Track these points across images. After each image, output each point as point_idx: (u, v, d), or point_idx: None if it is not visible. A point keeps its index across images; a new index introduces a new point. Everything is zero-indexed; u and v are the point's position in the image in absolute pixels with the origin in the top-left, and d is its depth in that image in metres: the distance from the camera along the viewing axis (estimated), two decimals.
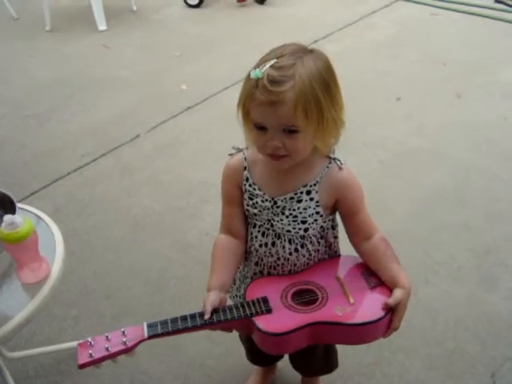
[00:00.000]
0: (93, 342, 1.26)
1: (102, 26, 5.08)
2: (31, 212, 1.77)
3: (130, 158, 3.31)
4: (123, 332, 1.28)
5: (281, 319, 1.29)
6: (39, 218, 1.76)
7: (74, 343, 2.11)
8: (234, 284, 1.62)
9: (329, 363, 1.83)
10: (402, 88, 3.85)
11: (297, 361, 1.83)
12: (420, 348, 2.11)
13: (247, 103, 1.26)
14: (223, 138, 3.28)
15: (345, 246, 1.52)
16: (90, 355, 1.23)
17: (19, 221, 1.44)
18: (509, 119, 3.45)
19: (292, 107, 1.20)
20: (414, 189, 2.92)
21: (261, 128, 1.27)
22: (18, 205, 1.65)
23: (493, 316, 2.22)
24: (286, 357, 1.87)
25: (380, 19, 4.99)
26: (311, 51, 1.29)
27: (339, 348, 1.82)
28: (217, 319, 1.30)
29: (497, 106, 3.61)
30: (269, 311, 1.31)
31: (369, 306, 1.32)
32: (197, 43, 4.74)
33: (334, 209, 1.44)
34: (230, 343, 2.07)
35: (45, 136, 3.58)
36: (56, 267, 1.58)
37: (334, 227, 1.49)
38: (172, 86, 4.05)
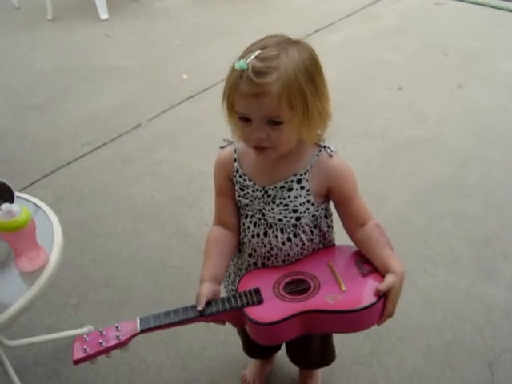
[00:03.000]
0: (87, 338, 1.28)
1: (104, 15, 5.07)
2: (29, 201, 1.78)
3: (130, 147, 3.31)
4: (117, 327, 1.30)
5: (272, 309, 1.30)
6: (37, 206, 1.76)
7: (74, 331, 2.15)
8: (229, 278, 1.63)
9: (325, 357, 1.84)
10: (404, 78, 3.84)
11: (293, 354, 1.84)
12: (418, 338, 2.11)
13: (232, 95, 1.25)
14: (223, 128, 3.26)
15: (340, 236, 1.52)
16: (85, 350, 1.25)
17: (17, 209, 1.45)
18: (509, 109, 3.44)
19: (276, 98, 1.20)
20: (414, 178, 2.92)
21: (245, 119, 1.27)
22: (17, 194, 1.66)
23: (491, 306, 2.22)
24: (284, 347, 1.88)
25: (383, 8, 4.97)
26: (296, 42, 1.28)
27: (337, 338, 1.83)
28: (209, 312, 1.31)
29: (498, 95, 3.60)
30: (260, 302, 1.32)
31: (360, 293, 1.32)
32: (198, 32, 4.73)
33: (326, 197, 1.44)
34: (229, 332, 2.08)
35: (45, 126, 3.58)
36: (54, 256, 1.59)
37: (327, 216, 1.49)
38: (173, 75, 4.05)
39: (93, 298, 2.35)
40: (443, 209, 2.69)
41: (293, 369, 1.94)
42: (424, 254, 2.45)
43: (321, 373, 1.95)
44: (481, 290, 2.29)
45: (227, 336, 2.12)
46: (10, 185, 1.65)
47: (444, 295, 2.27)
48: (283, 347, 1.90)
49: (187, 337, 2.15)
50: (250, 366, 2.01)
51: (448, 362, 2.03)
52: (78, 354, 1.25)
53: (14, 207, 1.44)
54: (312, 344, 1.70)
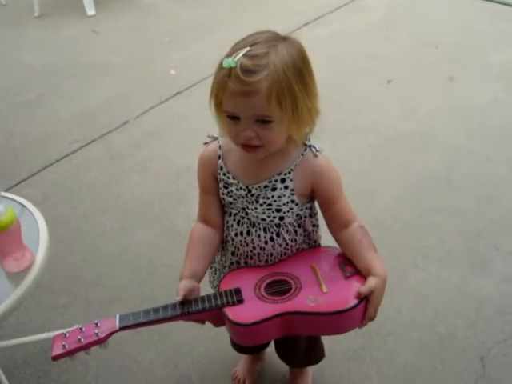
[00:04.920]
0: (67, 334, 1.29)
1: (91, 11, 5.02)
2: (15, 201, 1.76)
3: (119, 144, 3.28)
4: (96, 324, 1.30)
5: (251, 310, 1.29)
6: (23, 206, 1.75)
7: (63, 331, 2.11)
8: (215, 273, 1.62)
9: (313, 355, 1.83)
10: (394, 71, 3.82)
11: (281, 352, 1.84)
12: (410, 333, 2.11)
13: (219, 93, 1.23)
14: (212, 124, 3.24)
15: (327, 237, 1.51)
16: (64, 346, 1.26)
17: (1, 210, 1.43)
18: (500, 102, 3.43)
19: (266, 97, 1.18)
20: (405, 173, 2.90)
21: (233, 118, 1.25)
22: (2, 193, 1.64)
23: (483, 300, 2.21)
24: (273, 344, 1.87)
25: (371, 1, 4.93)
26: (285, 39, 1.26)
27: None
28: (188, 310, 1.31)
29: (489, 88, 3.59)
30: (240, 302, 1.31)
31: (342, 295, 1.31)
32: (187, 28, 4.69)
33: (310, 197, 1.43)
34: (219, 329, 2.06)
35: (34, 123, 3.54)
36: (40, 256, 1.59)
37: (312, 215, 1.48)
38: (161, 71, 4.01)
39: (82, 297, 2.34)
40: (435, 203, 2.68)
41: (284, 366, 1.93)
42: (415, 248, 2.44)
43: (311, 370, 1.95)
44: (473, 283, 2.28)
45: (217, 333, 2.09)
46: None
47: (436, 289, 2.27)
48: (272, 344, 1.88)
49: (177, 334, 2.13)
50: (241, 363, 2.00)
51: (440, 357, 2.02)
52: (57, 350, 1.26)
53: None
54: (299, 343, 1.70)
